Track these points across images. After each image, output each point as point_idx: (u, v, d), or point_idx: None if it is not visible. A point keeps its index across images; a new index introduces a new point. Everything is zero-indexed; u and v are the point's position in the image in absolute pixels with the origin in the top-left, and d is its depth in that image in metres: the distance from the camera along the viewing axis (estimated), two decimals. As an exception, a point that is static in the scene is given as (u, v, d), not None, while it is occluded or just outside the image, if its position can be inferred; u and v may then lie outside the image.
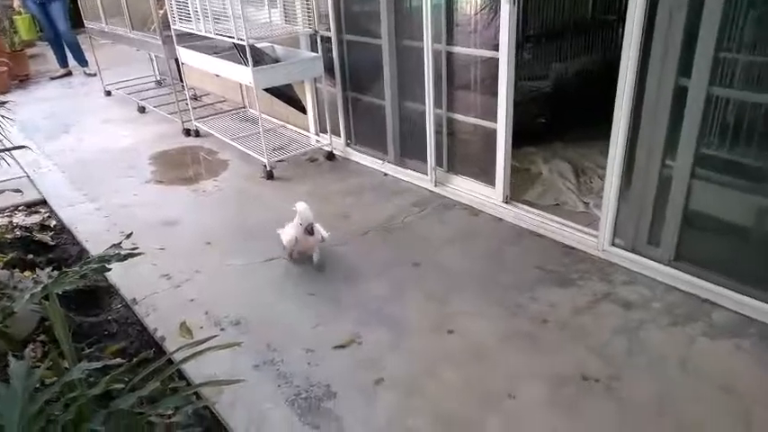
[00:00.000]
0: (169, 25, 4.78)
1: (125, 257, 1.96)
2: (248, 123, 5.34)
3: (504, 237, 3.38)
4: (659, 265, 2.87)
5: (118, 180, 4.48)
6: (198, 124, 5.29)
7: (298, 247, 3.15)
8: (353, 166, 4.51)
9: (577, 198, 3.62)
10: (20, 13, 9.00)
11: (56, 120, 6.07)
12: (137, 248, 2.06)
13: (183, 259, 3.31)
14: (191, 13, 4.40)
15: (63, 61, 7.88)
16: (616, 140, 2.86)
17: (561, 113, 4.40)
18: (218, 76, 4.88)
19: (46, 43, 8.32)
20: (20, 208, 4.08)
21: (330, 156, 4.63)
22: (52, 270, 2.95)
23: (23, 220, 3.89)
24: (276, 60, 4.58)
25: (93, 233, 3.65)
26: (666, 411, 2.17)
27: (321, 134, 4.85)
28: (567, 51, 4.79)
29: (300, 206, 3.05)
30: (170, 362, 1.97)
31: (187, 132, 5.35)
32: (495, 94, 3.37)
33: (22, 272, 3.05)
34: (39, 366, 1.65)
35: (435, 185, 3.94)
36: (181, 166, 4.78)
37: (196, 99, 6.19)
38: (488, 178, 3.64)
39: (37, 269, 3.08)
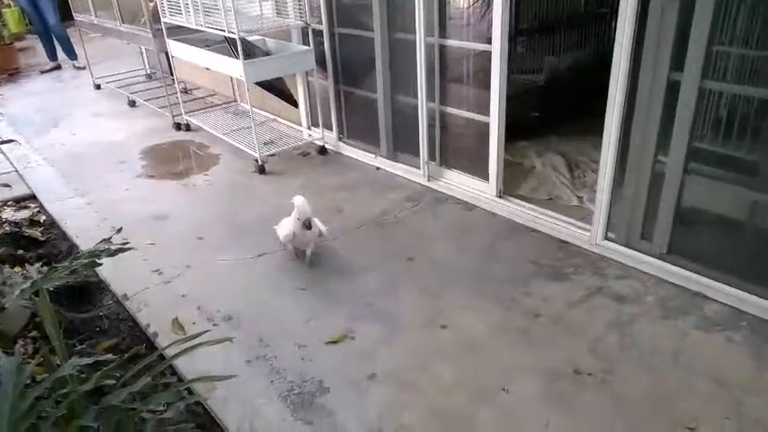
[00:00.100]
0: (159, 18, 4.74)
1: (115, 252, 1.95)
2: (239, 117, 5.31)
3: (497, 231, 3.38)
4: (652, 259, 2.88)
5: (108, 174, 4.45)
6: (188, 118, 5.26)
7: (295, 242, 3.10)
8: (346, 161, 4.49)
9: (571, 192, 3.63)
10: (9, 6, 8.92)
11: (45, 114, 6.02)
12: (127, 243, 2.05)
13: (175, 254, 3.29)
14: (180, 5, 4.36)
15: (52, 54, 7.81)
16: (609, 134, 2.86)
17: (554, 107, 4.39)
18: (208, 69, 4.84)
19: (35, 36, 8.24)
20: (9, 203, 4.04)
21: (322, 150, 4.62)
22: (42, 266, 2.94)
23: (12, 216, 3.85)
24: (267, 54, 4.55)
25: (83, 228, 3.62)
26: (659, 404, 2.17)
27: (313, 128, 4.83)
28: (560, 45, 4.79)
29: (298, 200, 3.00)
30: (162, 357, 1.95)
31: (178, 126, 5.32)
32: (487, 87, 3.36)
33: (12, 268, 3.03)
34: (29, 363, 1.63)
35: (428, 180, 3.94)
36: (171, 160, 4.75)
37: (187, 93, 6.16)
38: (481, 172, 3.64)
39: (26, 265, 3.05)
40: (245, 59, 3.98)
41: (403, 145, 4.11)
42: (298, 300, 2.89)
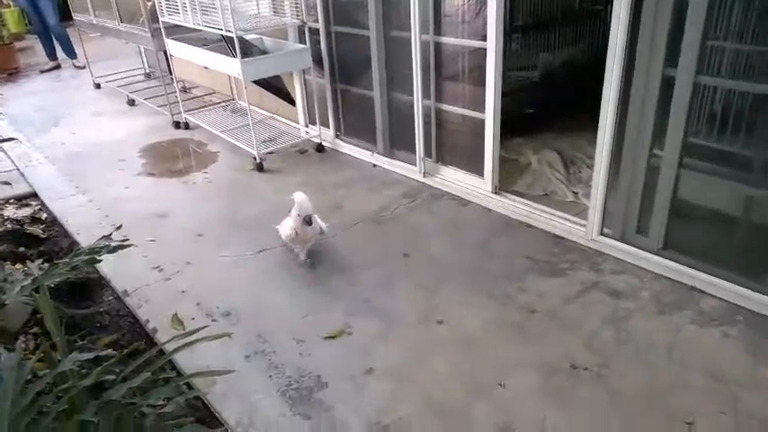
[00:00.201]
0: (157, 17, 4.75)
1: (115, 249, 1.97)
2: (237, 115, 5.33)
3: (493, 227, 3.40)
4: (648, 254, 2.89)
5: (108, 173, 4.46)
6: (187, 116, 5.27)
7: (297, 239, 3.08)
8: (343, 158, 4.51)
9: (566, 188, 3.64)
10: (8, 6, 8.91)
11: (45, 113, 6.03)
12: (127, 240, 2.07)
13: (175, 251, 3.32)
14: (178, 5, 4.37)
15: (52, 54, 7.82)
16: (604, 130, 2.87)
17: (549, 103, 4.41)
18: (206, 68, 4.86)
19: (35, 36, 8.25)
20: (10, 201, 4.06)
21: (320, 147, 4.63)
22: (43, 263, 2.96)
23: (14, 213, 3.87)
24: (264, 52, 4.56)
25: (84, 225, 3.64)
26: (655, 399, 2.19)
27: (310, 126, 4.84)
28: (554, 41, 4.80)
29: (299, 196, 2.99)
30: (162, 353, 1.98)
31: (177, 125, 5.34)
32: (483, 84, 3.38)
33: (14, 265, 3.05)
34: (30, 358, 1.65)
35: (424, 176, 3.95)
36: (171, 158, 4.77)
37: (185, 91, 6.17)
38: (477, 169, 3.66)
39: (27, 262, 3.07)
40: (242, 58, 4.00)
41: (399, 142, 4.13)
42: (296, 296, 2.91)
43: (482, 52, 3.31)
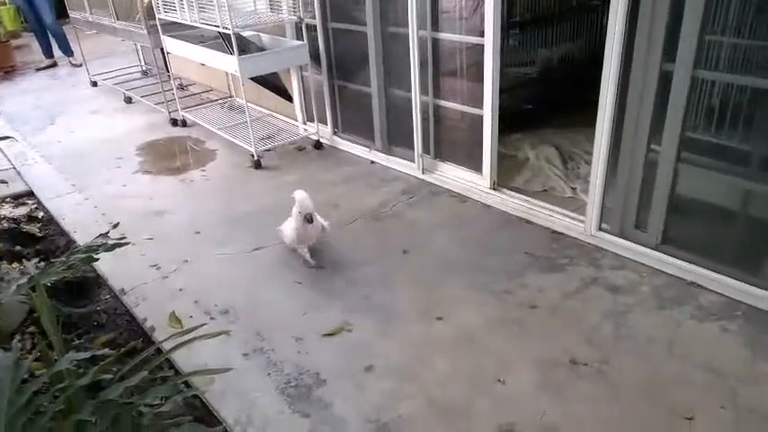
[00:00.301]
0: (154, 14, 4.73)
1: (112, 247, 1.96)
2: (235, 113, 5.31)
3: (492, 223, 3.39)
4: (646, 249, 2.89)
5: (105, 171, 4.45)
6: (185, 114, 5.26)
7: (299, 239, 3.04)
8: (341, 155, 4.50)
9: (565, 184, 3.64)
10: (4, 3, 8.88)
11: (42, 111, 6.01)
12: (124, 238, 2.05)
13: (172, 249, 3.31)
14: (175, 2, 4.36)
15: (48, 52, 7.80)
16: (602, 125, 2.87)
17: (548, 99, 4.40)
18: (203, 65, 4.84)
19: (31, 34, 8.21)
20: (6, 200, 4.05)
21: (318, 144, 4.62)
22: (39, 261, 2.95)
23: (10, 212, 3.86)
24: (262, 49, 4.55)
25: (81, 224, 3.63)
26: (655, 394, 2.19)
27: (308, 123, 4.83)
28: (552, 37, 4.78)
29: (299, 194, 2.96)
30: (159, 351, 1.96)
31: (174, 122, 5.32)
32: (481, 80, 3.37)
33: (10, 263, 3.04)
34: (27, 358, 1.64)
35: (423, 173, 3.94)
36: (168, 156, 4.75)
37: (182, 89, 6.15)
38: (476, 165, 3.65)
39: (24, 260, 3.06)
40: (239, 55, 3.98)
41: (397, 138, 4.12)
42: (294, 293, 2.90)
43: (480, 48, 3.30)
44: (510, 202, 3.49)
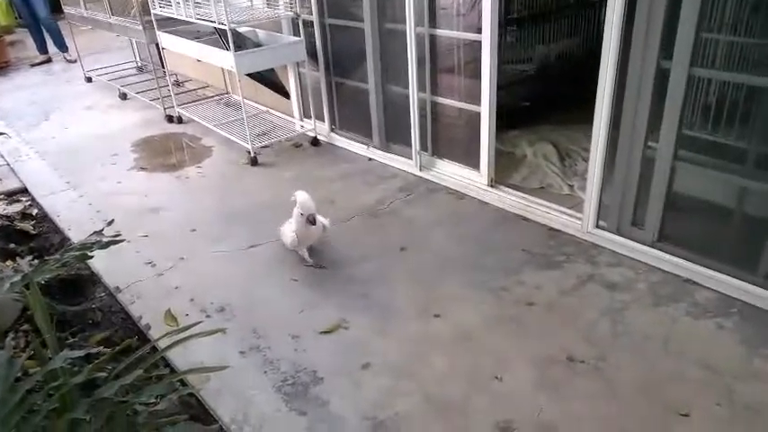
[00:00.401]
0: (149, 10, 4.71)
1: (107, 245, 1.94)
2: (231, 109, 5.30)
3: (489, 220, 3.39)
4: (643, 247, 2.89)
5: (100, 167, 4.43)
6: (180, 110, 5.24)
7: (300, 239, 3.00)
8: (338, 152, 4.49)
9: (562, 181, 3.63)
10: (-3, -1, 8.82)
11: (36, 107, 5.98)
12: (119, 235, 2.05)
13: (168, 246, 3.29)
14: (171, -3, 4.34)
15: (43, 48, 7.76)
16: (599, 123, 2.86)
17: (545, 96, 4.39)
18: (199, 61, 4.82)
19: (25, 29, 8.17)
20: (0, 197, 4.02)
21: (315, 141, 4.61)
22: (33, 259, 2.93)
23: (4, 209, 3.84)
24: (258, 45, 4.53)
25: (75, 221, 3.61)
26: (652, 391, 2.19)
27: (305, 119, 4.82)
28: (550, 34, 4.77)
29: (301, 195, 2.92)
30: (155, 349, 1.96)
31: (170, 119, 5.30)
32: (478, 77, 3.36)
33: (4, 261, 3.01)
34: (20, 356, 1.63)
35: (420, 170, 3.94)
36: (164, 152, 4.73)
37: (178, 85, 6.13)
38: (473, 162, 3.64)
39: (18, 258, 3.04)
40: (235, 51, 3.96)
41: (395, 135, 4.11)
42: (291, 290, 2.89)
43: (477, 45, 3.29)
44: (507, 199, 3.49)
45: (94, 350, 1.78)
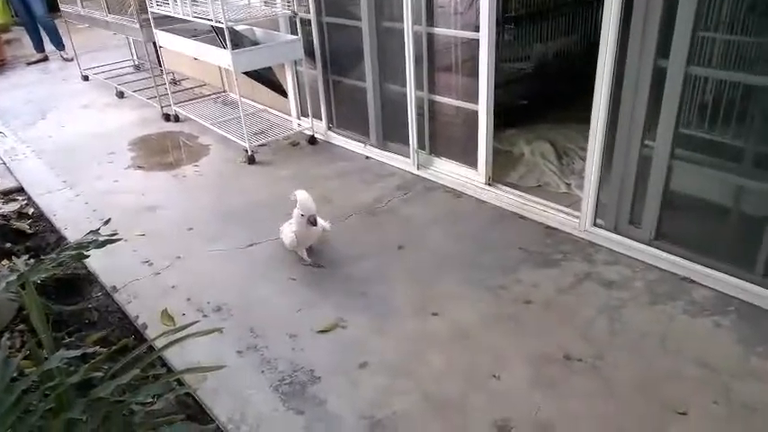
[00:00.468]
0: (146, 8, 4.69)
1: (103, 244, 1.94)
2: (229, 108, 5.28)
3: (486, 218, 3.39)
4: (640, 245, 2.89)
5: (97, 166, 4.42)
6: (178, 109, 5.22)
7: (299, 240, 2.97)
8: (336, 150, 4.48)
9: (559, 179, 3.63)
10: (-6, -4, 8.79)
11: (33, 106, 5.96)
12: (115, 235, 2.04)
13: (165, 245, 3.28)
14: (168, -5, 4.33)
15: (39, 46, 7.72)
16: (596, 121, 2.86)
17: (543, 94, 4.39)
18: (196, 59, 4.80)
19: (22, 28, 8.14)
20: (-5, 196, 4.02)
21: (312, 140, 4.60)
22: (29, 258, 2.92)
23: (0, 209, 3.82)
24: (255, 43, 4.52)
25: (72, 220, 3.60)
26: (649, 389, 2.19)
27: (302, 118, 4.81)
28: (547, 32, 4.77)
29: (301, 195, 2.88)
30: (151, 349, 1.95)
31: (167, 117, 5.29)
32: (476, 75, 3.35)
33: (0, 261, 3.01)
34: (16, 356, 1.63)
35: (418, 168, 3.93)
36: (161, 151, 4.72)
37: (175, 83, 6.11)
38: (471, 160, 3.64)
39: (14, 257, 3.03)
40: (233, 49, 3.96)
41: (392, 134, 4.10)
42: (288, 289, 2.89)
43: (475, 43, 3.29)
44: (505, 197, 3.48)
45: (91, 350, 1.78)
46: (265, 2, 4.29)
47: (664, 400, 2.14)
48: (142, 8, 4.83)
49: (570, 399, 2.17)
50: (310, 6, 4.16)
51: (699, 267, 2.71)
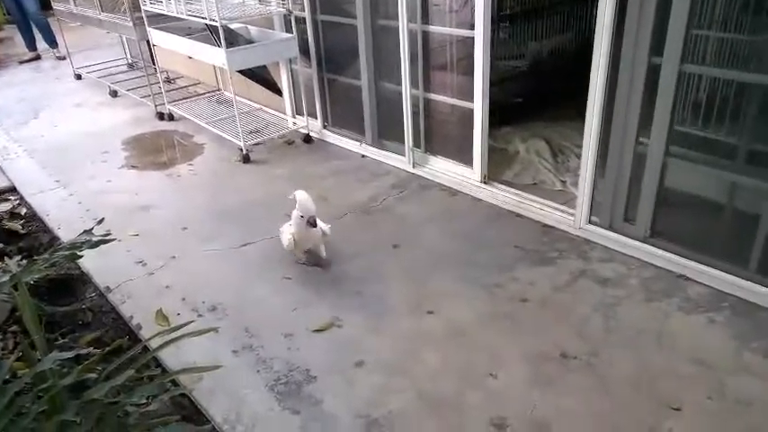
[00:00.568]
0: (139, 6, 4.67)
1: (97, 244, 1.93)
2: (223, 106, 5.26)
3: (482, 217, 3.39)
4: (635, 242, 2.89)
5: (91, 165, 4.40)
6: (172, 108, 5.21)
7: (299, 242, 2.93)
8: (331, 149, 4.47)
9: (554, 177, 3.64)
10: (-15, -5, 8.75)
11: (25, 104, 5.93)
12: (109, 234, 2.03)
13: (159, 245, 3.27)
14: (161, -7, 4.31)
15: (32, 44, 7.69)
16: (591, 119, 2.86)
17: (538, 92, 4.39)
18: (190, 58, 4.79)
19: (14, 26, 8.10)
20: (-12, 196, 4.00)
21: (307, 138, 4.59)
22: (22, 259, 2.90)
23: (-8, 209, 3.81)
24: (250, 41, 4.50)
25: (65, 220, 3.59)
26: (644, 386, 2.19)
27: (297, 116, 4.80)
28: (542, 30, 4.77)
29: (300, 196, 2.80)
30: (146, 349, 1.94)
31: (161, 116, 5.27)
32: (471, 73, 3.35)
33: (-8, 261, 2.99)
34: (9, 358, 1.61)
35: (413, 166, 3.93)
36: (155, 150, 4.70)
37: (170, 82, 6.09)
38: (466, 158, 3.64)
39: (6, 258, 3.01)
40: (227, 47, 3.94)
41: (388, 132, 4.09)
42: (284, 289, 2.88)
43: (470, 41, 3.28)
44: (500, 195, 3.49)
45: (84, 351, 1.76)
46: (260, 0, 4.27)
47: (658, 397, 2.14)
48: (135, 6, 4.80)
49: (566, 396, 2.18)
50: (305, 4, 4.15)
51: (693, 264, 2.71)
